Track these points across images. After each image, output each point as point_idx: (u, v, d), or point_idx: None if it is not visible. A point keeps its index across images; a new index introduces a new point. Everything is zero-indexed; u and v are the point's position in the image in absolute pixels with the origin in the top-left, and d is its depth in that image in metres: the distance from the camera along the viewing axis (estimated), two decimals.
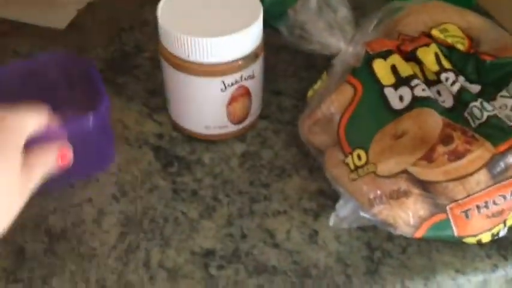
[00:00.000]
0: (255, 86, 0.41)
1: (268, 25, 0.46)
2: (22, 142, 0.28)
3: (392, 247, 0.35)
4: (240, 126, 0.42)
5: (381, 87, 0.35)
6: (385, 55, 0.36)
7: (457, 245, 0.34)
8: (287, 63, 0.52)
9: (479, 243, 0.33)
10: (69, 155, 0.31)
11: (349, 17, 0.46)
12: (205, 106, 0.40)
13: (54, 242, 0.35)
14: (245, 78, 0.39)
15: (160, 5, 0.38)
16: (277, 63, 0.52)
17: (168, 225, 0.36)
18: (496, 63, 0.35)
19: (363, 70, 0.36)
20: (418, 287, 0.33)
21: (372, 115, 0.34)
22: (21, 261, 0.34)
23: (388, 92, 0.34)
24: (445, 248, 0.34)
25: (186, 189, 0.39)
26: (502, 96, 0.33)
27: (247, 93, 0.40)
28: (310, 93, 0.43)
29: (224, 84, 0.38)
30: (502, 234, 0.33)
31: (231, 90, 0.39)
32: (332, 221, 0.35)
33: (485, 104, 0.32)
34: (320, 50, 0.46)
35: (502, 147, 0.30)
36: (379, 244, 0.35)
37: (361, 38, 0.41)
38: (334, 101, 0.36)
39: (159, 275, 0.33)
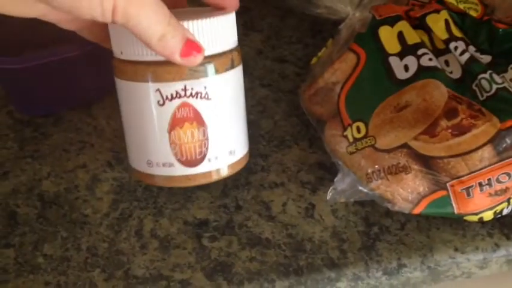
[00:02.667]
0: (212, 113, 0.30)
1: None
2: None
3: (390, 223, 0.34)
4: (193, 170, 0.31)
5: (386, 55, 0.33)
6: (392, 21, 0.34)
7: (457, 222, 0.33)
8: (292, 29, 0.50)
9: (481, 222, 0.32)
10: (199, 50, 0.27)
11: None
12: (143, 126, 0.31)
13: (46, 208, 0.35)
14: (191, 95, 0.30)
15: None
16: (282, 28, 0.51)
17: (162, 194, 0.36)
18: (509, 32, 0.32)
19: (368, 37, 0.34)
20: (414, 264, 0.32)
21: (374, 85, 0.33)
22: (13, 226, 0.34)
23: (393, 61, 0.33)
24: (445, 226, 0.33)
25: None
26: None
27: (197, 119, 0.30)
28: (314, 60, 0.41)
29: (161, 95, 0.29)
30: (505, 212, 0.32)
31: (172, 107, 0.30)
32: (330, 195, 0.34)
33: (495, 76, 0.30)
34: (327, 14, 0.44)
35: (509, 123, 0.28)
36: (377, 219, 0.34)
37: (370, 2, 0.39)
38: (336, 70, 0.34)
39: (151, 244, 0.33)
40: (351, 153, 0.32)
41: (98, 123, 0.41)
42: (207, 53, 0.29)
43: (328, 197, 0.34)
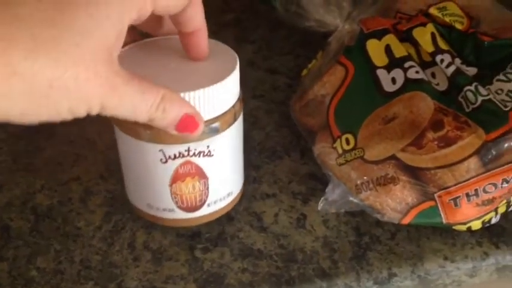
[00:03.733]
0: (213, 167, 0.31)
1: (263, 1, 0.44)
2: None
3: (381, 232, 0.34)
4: (192, 215, 0.33)
5: (373, 68, 0.34)
6: (379, 35, 0.35)
7: (447, 232, 0.34)
8: (283, 40, 0.51)
9: (470, 231, 0.33)
10: (196, 127, 0.26)
11: None
12: (145, 178, 0.32)
13: (39, 221, 0.35)
14: (195, 154, 0.30)
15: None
16: (274, 40, 0.51)
17: None
18: (494, 44, 0.33)
19: (356, 50, 0.35)
20: (405, 273, 0.32)
21: (363, 98, 0.33)
22: (6, 239, 0.34)
23: (381, 73, 0.33)
24: (434, 235, 0.34)
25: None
26: (498, 80, 0.31)
27: (199, 173, 0.31)
28: (304, 72, 0.42)
29: (164, 155, 0.30)
30: (494, 221, 0.33)
31: (174, 165, 0.30)
32: (321, 205, 0.35)
33: (480, 88, 0.31)
34: (316, 27, 0.44)
35: (494, 134, 0.29)
36: (367, 229, 0.34)
37: (358, 15, 0.40)
38: (325, 83, 0.35)
39: (144, 256, 0.33)
40: (340, 164, 0.32)
41: (91, 136, 0.42)
42: (212, 116, 0.29)
43: (319, 208, 0.35)
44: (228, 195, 0.34)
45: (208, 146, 0.30)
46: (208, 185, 0.32)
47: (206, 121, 0.29)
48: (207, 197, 0.32)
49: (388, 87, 0.33)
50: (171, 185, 0.31)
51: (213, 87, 0.28)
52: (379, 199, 0.31)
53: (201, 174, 0.31)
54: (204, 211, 0.33)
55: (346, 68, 0.35)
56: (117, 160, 0.35)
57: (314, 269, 0.32)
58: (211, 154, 0.30)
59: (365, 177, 0.31)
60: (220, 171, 0.32)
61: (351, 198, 0.33)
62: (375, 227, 0.35)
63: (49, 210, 0.36)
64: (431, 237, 0.34)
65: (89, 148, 0.40)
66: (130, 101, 0.24)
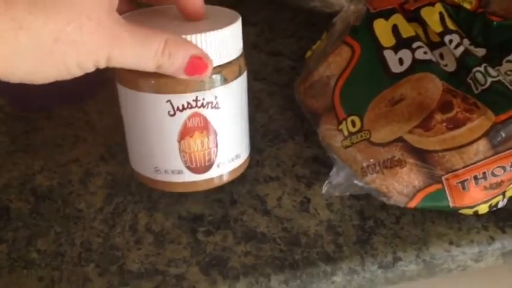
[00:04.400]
0: (221, 121, 0.31)
1: None
2: None
3: (385, 216, 0.34)
4: (200, 177, 0.32)
5: (380, 49, 0.33)
6: (386, 14, 0.34)
7: (452, 216, 0.33)
8: (287, 22, 0.50)
9: (476, 215, 0.32)
10: (205, 68, 0.26)
11: None
12: (151, 135, 0.31)
13: (39, 202, 0.34)
14: (203, 105, 0.30)
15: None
16: (277, 21, 0.50)
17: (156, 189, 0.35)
18: (503, 24, 0.32)
19: (362, 30, 0.34)
20: (410, 258, 0.32)
21: (369, 79, 0.33)
22: (6, 221, 0.33)
23: (388, 54, 0.33)
24: (440, 219, 0.33)
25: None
26: (508, 61, 0.31)
27: (207, 128, 0.30)
28: (308, 53, 0.41)
29: (172, 106, 0.29)
30: (501, 205, 0.32)
31: (182, 118, 0.30)
32: (325, 188, 0.34)
33: (490, 69, 0.30)
34: (321, 7, 0.44)
35: (504, 116, 0.28)
36: (372, 213, 0.34)
37: None
38: (330, 63, 0.34)
39: (146, 239, 0.32)
40: (346, 147, 0.32)
41: (90, 118, 0.41)
42: (217, 63, 0.29)
43: (323, 191, 0.34)
44: (236, 157, 0.33)
45: (216, 97, 0.30)
46: (217, 141, 0.31)
47: (213, 68, 0.28)
48: (215, 155, 0.32)
49: (395, 68, 0.32)
50: (179, 141, 0.30)
51: (217, 32, 0.28)
52: (385, 182, 0.30)
53: (209, 129, 0.31)
54: (213, 173, 0.32)
55: (352, 48, 0.34)
56: (117, 142, 0.34)
57: (318, 253, 0.32)
58: (219, 106, 0.30)
59: (371, 160, 0.30)
60: (228, 127, 0.32)
61: (355, 182, 0.33)
62: (380, 210, 0.34)
63: (49, 192, 0.35)
64: (437, 221, 0.33)
65: (88, 130, 0.40)
66: (135, 49, 0.24)
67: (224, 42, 0.29)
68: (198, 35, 0.28)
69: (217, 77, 0.30)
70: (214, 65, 0.29)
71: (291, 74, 0.45)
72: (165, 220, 0.34)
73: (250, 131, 0.40)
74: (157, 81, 0.29)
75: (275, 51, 0.47)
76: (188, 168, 0.32)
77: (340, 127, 0.33)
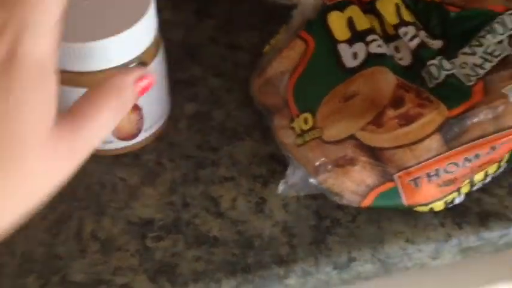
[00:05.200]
0: (145, 98, 0.31)
1: None
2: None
3: (342, 215, 0.33)
4: (131, 142, 0.35)
5: (335, 42, 0.32)
6: (342, 6, 0.33)
7: (409, 213, 0.32)
8: (247, 14, 0.48)
9: (433, 212, 0.32)
10: (150, 83, 0.23)
11: None
12: None
13: None
14: None
15: None
16: (236, 14, 0.49)
17: (105, 192, 0.34)
18: (461, 15, 0.31)
19: (317, 23, 0.33)
20: (365, 257, 0.31)
21: (323, 74, 0.31)
22: None
23: (342, 48, 0.31)
24: (396, 217, 0.32)
25: (127, 153, 0.36)
26: (463, 53, 0.30)
27: (134, 109, 0.32)
28: (266, 48, 0.40)
29: None
30: (457, 201, 0.31)
31: None
32: (281, 188, 0.33)
33: (444, 62, 0.29)
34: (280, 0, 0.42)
35: (457, 111, 0.27)
36: (328, 212, 0.33)
37: None
38: (284, 58, 0.33)
39: (91, 247, 0.31)
40: (299, 145, 0.31)
41: None
42: (136, 53, 0.31)
43: (279, 191, 0.33)
44: (161, 117, 0.36)
45: None
46: (142, 114, 0.33)
47: (133, 59, 0.30)
48: (142, 124, 0.34)
49: (350, 62, 0.31)
50: None
51: (131, 30, 0.29)
52: (337, 181, 0.29)
53: (134, 107, 0.32)
54: (141, 137, 0.35)
55: (306, 42, 0.33)
56: None
57: (271, 255, 0.31)
58: None
59: (323, 159, 0.29)
60: (152, 100, 0.34)
61: (311, 181, 0.31)
62: (336, 209, 0.33)
63: None
64: (393, 218, 0.32)
65: None
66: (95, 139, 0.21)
67: (139, 34, 0.30)
68: (112, 38, 0.28)
69: (137, 65, 0.31)
70: (133, 56, 0.30)
71: (251, 69, 0.43)
72: (112, 226, 0.32)
73: (206, 128, 0.38)
74: (84, 77, 0.30)
75: (235, 44, 0.45)
76: (118, 138, 0.34)
77: (293, 125, 0.31)
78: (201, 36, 0.48)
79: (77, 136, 0.20)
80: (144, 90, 0.23)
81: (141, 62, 0.31)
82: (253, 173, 0.35)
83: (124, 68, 0.29)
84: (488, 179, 0.31)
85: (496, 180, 0.33)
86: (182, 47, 0.45)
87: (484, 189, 0.33)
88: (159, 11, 0.48)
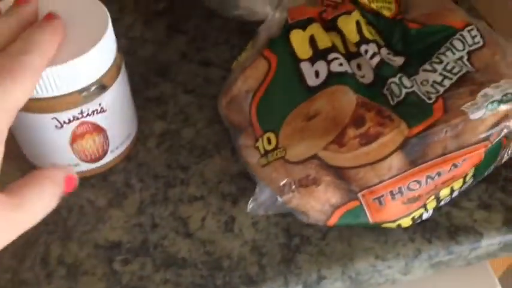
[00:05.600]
0: (109, 120, 0.32)
1: None
2: (5, 130, 0.23)
3: (312, 233, 0.33)
4: (97, 164, 0.34)
5: (297, 61, 0.32)
6: (304, 24, 0.33)
7: (379, 229, 0.32)
8: (218, 29, 0.48)
9: (401, 228, 0.32)
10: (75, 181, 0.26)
11: None
12: (44, 144, 0.32)
13: None
14: (88, 114, 0.31)
15: None
16: (208, 29, 0.49)
17: (72, 215, 0.34)
18: (421, 31, 0.32)
19: (280, 42, 0.33)
20: (335, 275, 0.31)
21: (286, 93, 0.31)
22: None
23: (304, 66, 0.31)
24: (366, 233, 0.32)
25: (95, 175, 0.36)
26: (424, 70, 0.30)
27: (96, 130, 0.32)
28: (234, 64, 0.40)
29: (58, 121, 0.30)
30: (426, 217, 0.32)
31: (70, 128, 0.31)
32: (250, 206, 0.33)
33: (404, 80, 0.29)
34: (247, 16, 0.42)
35: (418, 129, 0.28)
36: (297, 230, 0.33)
37: (290, 2, 0.38)
38: (247, 78, 0.33)
39: (57, 272, 0.31)
40: (263, 165, 0.31)
41: None
42: (97, 76, 0.30)
43: (248, 209, 0.33)
44: (128, 137, 0.36)
45: (100, 104, 0.31)
46: (107, 136, 0.33)
47: (92, 83, 0.30)
48: (108, 146, 0.34)
49: (312, 81, 0.31)
50: (71, 145, 0.32)
51: (88, 54, 0.28)
52: (302, 201, 0.29)
53: (98, 130, 0.32)
54: (108, 158, 0.35)
55: (269, 61, 0.33)
56: (27, 170, 0.32)
57: (240, 276, 0.31)
58: (105, 109, 0.32)
59: (287, 179, 0.29)
60: (116, 121, 0.33)
61: (279, 199, 0.31)
62: (306, 227, 0.33)
63: None
64: (363, 235, 0.33)
65: None
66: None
67: (97, 57, 0.29)
68: (71, 62, 0.28)
69: (98, 88, 0.30)
70: (89, 82, 0.30)
71: (222, 85, 0.43)
72: (79, 250, 0.32)
73: (175, 147, 0.38)
74: (41, 103, 0.29)
75: (206, 60, 0.45)
76: (84, 161, 0.34)
77: (257, 144, 0.31)
78: (172, 53, 0.47)
79: (15, 214, 0.23)
80: (68, 188, 0.25)
81: (102, 84, 0.31)
82: (222, 191, 0.35)
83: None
84: (456, 193, 0.31)
85: (465, 194, 0.34)
86: (153, 64, 0.45)
87: (454, 203, 0.33)
88: (130, 27, 0.48)
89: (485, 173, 0.32)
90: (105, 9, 0.31)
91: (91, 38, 0.29)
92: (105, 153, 0.34)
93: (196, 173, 0.37)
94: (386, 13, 0.33)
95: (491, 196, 0.34)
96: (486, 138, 0.27)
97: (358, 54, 0.32)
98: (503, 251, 0.33)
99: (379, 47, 0.31)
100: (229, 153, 0.38)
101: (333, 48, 0.31)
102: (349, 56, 0.32)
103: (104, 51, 0.30)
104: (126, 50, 0.45)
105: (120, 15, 0.48)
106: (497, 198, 0.34)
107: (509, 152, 0.32)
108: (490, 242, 0.32)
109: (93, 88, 0.30)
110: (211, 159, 0.38)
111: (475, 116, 0.26)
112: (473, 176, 0.31)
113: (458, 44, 0.30)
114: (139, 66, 0.45)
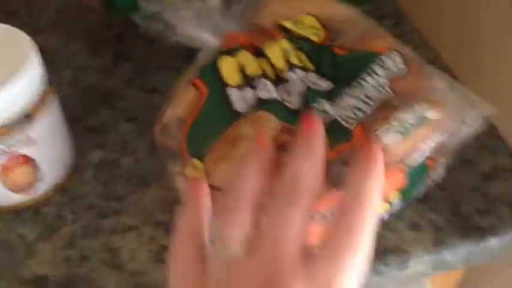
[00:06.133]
0: (38, 149, 0.32)
1: (121, 13, 0.42)
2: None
3: None
4: (30, 195, 0.34)
5: (225, 88, 0.32)
6: (233, 51, 0.33)
7: None
8: (163, 55, 0.48)
9: None
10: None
11: (220, 5, 0.43)
12: None
13: None
14: (16, 146, 0.31)
15: None
16: (153, 56, 0.49)
17: (2, 251, 0.33)
18: (347, 57, 0.32)
19: (210, 69, 0.33)
20: None
21: (215, 120, 0.31)
22: None
23: (232, 93, 0.31)
24: None
25: (29, 207, 0.35)
26: (346, 94, 0.30)
27: (25, 160, 0.32)
28: (173, 90, 0.40)
29: None
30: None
31: None
32: None
33: (326, 105, 0.29)
34: (186, 42, 0.42)
35: (337, 154, 0.27)
36: None
37: (228, 29, 0.38)
38: (178, 105, 0.33)
39: None
40: None
41: None
42: (21, 108, 0.30)
43: None
44: (62, 168, 0.35)
45: (27, 135, 0.31)
46: (37, 166, 0.33)
47: (17, 114, 0.29)
48: (38, 176, 0.33)
49: (240, 108, 0.31)
50: (0, 177, 0.32)
51: (11, 85, 0.28)
52: None
53: (28, 160, 0.32)
54: (41, 189, 0.34)
55: (199, 88, 0.33)
56: None
57: None
58: (33, 140, 0.32)
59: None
60: (47, 151, 0.33)
61: None
62: None
63: None
64: None
65: None
66: None
67: (20, 88, 0.29)
68: None
69: (23, 120, 0.30)
70: (14, 114, 0.29)
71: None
72: (7, 286, 0.31)
73: (112, 177, 0.38)
74: None
75: (150, 87, 0.45)
76: (14, 191, 0.33)
77: (186, 171, 0.31)
78: (117, 80, 0.47)
79: None
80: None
81: (27, 115, 0.30)
82: (156, 220, 0.35)
83: None
84: (385, 215, 0.31)
85: (397, 215, 0.34)
86: (97, 92, 0.45)
87: (385, 224, 0.33)
88: (75, 56, 0.48)
89: (415, 195, 0.32)
90: (30, 40, 0.31)
91: (14, 69, 0.29)
92: (36, 184, 0.33)
93: (133, 202, 0.36)
94: (315, 39, 0.34)
95: (422, 216, 0.34)
96: (401, 162, 0.27)
97: (285, 80, 0.32)
98: (435, 270, 0.33)
99: (307, 72, 0.31)
100: (167, 180, 0.37)
101: (262, 75, 0.31)
102: (278, 82, 0.32)
103: (28, 81, 0.30)
104: (70, 79, 0.45)
105: (67, 44, 0.48)
106: (428, 218, 0.34)
107: (440, 172, 0.32)
108: (418, 261, 0.32)
109: (19, 120, 0.30)
110: (149, 188, 0.37)
111: (388, 140, 0.26)
112: (402, 198, 0.31)
113: (378, 69, 0.30)
114: (84, 95, 0.45)
